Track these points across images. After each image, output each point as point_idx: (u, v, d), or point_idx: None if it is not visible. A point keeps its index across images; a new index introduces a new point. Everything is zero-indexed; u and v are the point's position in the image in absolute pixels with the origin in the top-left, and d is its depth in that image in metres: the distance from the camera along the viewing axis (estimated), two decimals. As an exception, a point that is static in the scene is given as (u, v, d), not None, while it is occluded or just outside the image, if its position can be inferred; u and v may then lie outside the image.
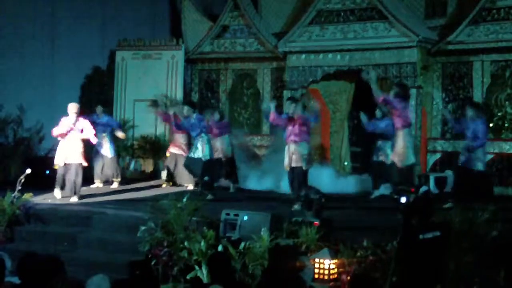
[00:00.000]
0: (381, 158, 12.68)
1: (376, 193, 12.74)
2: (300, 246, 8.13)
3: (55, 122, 12.05)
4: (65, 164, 11.95)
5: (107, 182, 14.15)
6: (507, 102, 13.51)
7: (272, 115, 11.47)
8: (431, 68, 14.21)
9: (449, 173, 13.01)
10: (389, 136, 12.14)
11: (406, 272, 6.21)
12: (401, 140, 10.90)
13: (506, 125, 13.39)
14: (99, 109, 14.13)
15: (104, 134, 13.83)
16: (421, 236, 6.10)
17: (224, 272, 6.21)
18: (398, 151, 10.98)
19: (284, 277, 6.13)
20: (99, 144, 13.67)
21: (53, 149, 13.80)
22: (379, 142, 12.78)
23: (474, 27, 13.64)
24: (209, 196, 11.84)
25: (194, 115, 12.69)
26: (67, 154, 11.93)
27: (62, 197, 12.00)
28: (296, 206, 10.75)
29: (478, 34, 13.61)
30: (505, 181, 13.15)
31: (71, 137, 11.97)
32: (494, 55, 13.62)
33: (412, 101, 13.19)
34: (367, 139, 13.64)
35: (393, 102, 10.87)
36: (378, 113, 12.90)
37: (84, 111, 12.89)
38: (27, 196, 10.96)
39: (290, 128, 11.23)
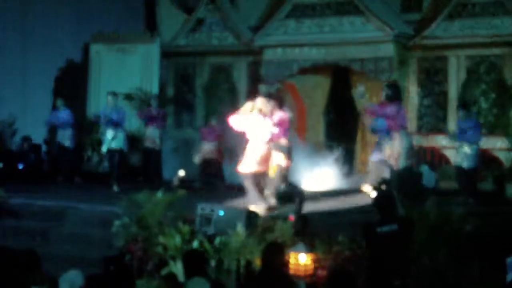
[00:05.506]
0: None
1: None
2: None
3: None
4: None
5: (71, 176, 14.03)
6: (482, 98, 13.62)
7: None
8: (407, 63, 14.25)
9: (424, 168, 13.03)
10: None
11: (369, 265, 6.46)
12: (398, 143, 10.64)
13: (481, 121, 13.45)
14: (59, 102, 14.05)
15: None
16: (378, 229, 6.46)
17: (200, 269, 6.16)
18: (394, 154, 10.70)
19: (276, 274, 6.19)
20: (62, 138, 13.80)
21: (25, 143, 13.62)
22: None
23: (450, 22, 13.72)
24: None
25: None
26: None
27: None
28: (272, 201, 10.70)
29: (454, 29, 13.69)
30: (480, 176, 13.21)
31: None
32: (470, 50, 13.72)
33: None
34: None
35: (381, 110, 10.70)
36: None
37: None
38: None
39: None
